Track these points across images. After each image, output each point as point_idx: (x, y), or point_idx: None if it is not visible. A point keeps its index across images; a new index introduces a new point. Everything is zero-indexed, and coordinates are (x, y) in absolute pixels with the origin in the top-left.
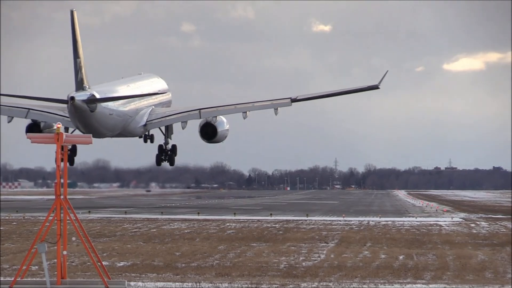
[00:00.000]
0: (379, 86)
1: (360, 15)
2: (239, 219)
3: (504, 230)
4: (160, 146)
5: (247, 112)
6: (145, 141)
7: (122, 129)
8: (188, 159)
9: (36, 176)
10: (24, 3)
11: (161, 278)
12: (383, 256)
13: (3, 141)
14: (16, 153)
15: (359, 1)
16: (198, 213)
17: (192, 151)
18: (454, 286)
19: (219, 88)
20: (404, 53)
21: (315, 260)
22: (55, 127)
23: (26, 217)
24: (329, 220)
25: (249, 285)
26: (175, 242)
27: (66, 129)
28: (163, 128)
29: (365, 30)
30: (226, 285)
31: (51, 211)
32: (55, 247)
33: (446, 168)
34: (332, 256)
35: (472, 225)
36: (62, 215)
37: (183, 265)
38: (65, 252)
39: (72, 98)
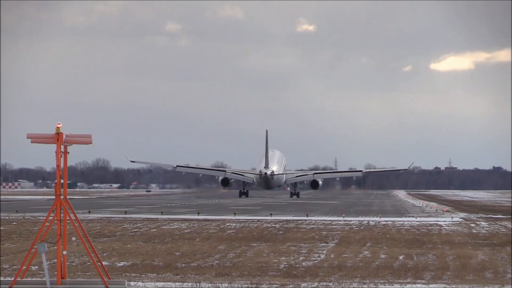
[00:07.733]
0: (407, 169)
1: (347, 14)
2: (239, 219)
3: (504, 230)
4: (291, 192)
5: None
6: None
7: (279, 184)
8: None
9: (36, 176)
10: (14, 3)
11: (161, 278)
12: (383, 256)
13: (3, 141)
14: (16, 153)
15: (347, 1)
16: (198, 213)
17: (193, 151)
18: (454, 286)
19: (207, 88)
20: (392, 52)
21: (315, 260)
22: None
23: (26, 217)
24: (329, 220)
25: (249, 285)
26: (175, 242)
27: (243, 183)
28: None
29: (352, 30)
30: (226, 285)
31: (51, 211)
32: (55, 247)
33: (446, 168)
34: (332, 256)
35: (472, 225)
36: (62, 215)
37: (183, 265)
38: (65, 252)
39: (266, 173)
